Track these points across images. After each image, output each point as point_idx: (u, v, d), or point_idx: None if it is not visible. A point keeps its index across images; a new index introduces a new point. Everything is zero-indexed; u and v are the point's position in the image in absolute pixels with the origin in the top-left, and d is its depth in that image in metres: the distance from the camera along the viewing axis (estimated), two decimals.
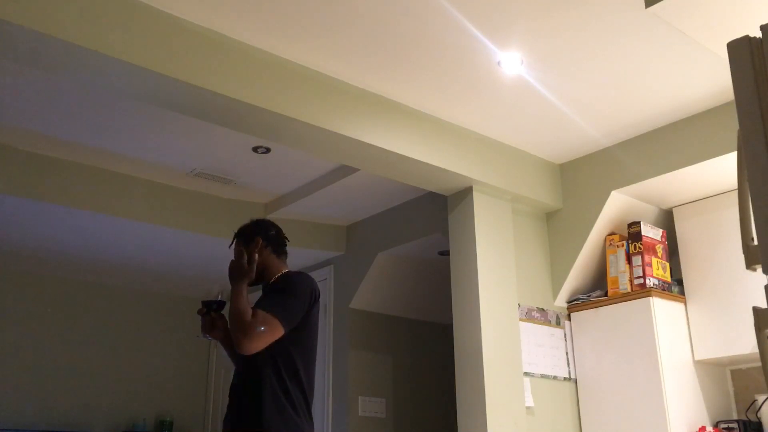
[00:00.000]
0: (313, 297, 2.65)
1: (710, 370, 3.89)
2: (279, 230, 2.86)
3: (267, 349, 2.50)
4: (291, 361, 2.55)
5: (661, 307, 3.73)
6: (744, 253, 1.62)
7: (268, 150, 3.94)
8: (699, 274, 3.85)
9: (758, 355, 1.63)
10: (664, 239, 4.00)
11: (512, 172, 3.93)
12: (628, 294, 3.81)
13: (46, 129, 3.70)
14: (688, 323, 3.84)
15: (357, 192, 4.44)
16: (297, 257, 5.11)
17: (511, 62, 3.15)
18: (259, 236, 2.77)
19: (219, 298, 2.73)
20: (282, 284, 2.68)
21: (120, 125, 3.67)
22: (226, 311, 2.69)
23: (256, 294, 2.66)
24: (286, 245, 2.87)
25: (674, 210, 4.08)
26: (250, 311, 2.48)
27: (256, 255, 2.71)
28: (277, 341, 2.51)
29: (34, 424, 5.07)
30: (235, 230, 2.84)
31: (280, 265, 2.80)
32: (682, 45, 3.03)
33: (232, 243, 2.79)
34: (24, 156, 3.90)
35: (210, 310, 2.70)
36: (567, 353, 3.98)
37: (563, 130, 3.81)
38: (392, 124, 3.45)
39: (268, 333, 2.47)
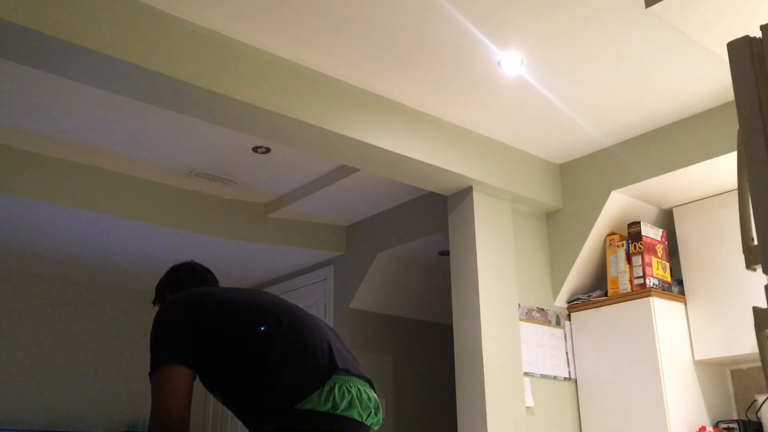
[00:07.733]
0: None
1: (710, 370, 3.89)
2: (177, 270, 2.38)
3: None
4: None
5: (661, 307, 3.73)
6: (744, 253, 1.62)
7: (268, 150, 3.94)
8: (699, 274, 3.85)
9: (758, 355, 1.63)
10: (664, 239, 4.00)
11: (512, 172, 3.93)
12: (628, 294, 3.81)
13: (46, 128, 3.70)
14: (688, 323, 3.84)
15: (357, 192, 4.44)
16: (297, 257, 5.11)
17: (511, 62, 3.15)
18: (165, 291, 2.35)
19: None
20: None
21: (119, 125, 3.67)
22: None
23: None
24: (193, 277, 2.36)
25: (674, 210, 4.08)
26: None
27: None
28: None
29: (34, 424, 5.07)
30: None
31: None
32: (682, 45, 3.03)
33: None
34: (23, 156, 3.90)
35: None
36: (567, 353, 3.98)
37: (563, 130, 3.81)
38: (392, 124, 3.45)
39: None
